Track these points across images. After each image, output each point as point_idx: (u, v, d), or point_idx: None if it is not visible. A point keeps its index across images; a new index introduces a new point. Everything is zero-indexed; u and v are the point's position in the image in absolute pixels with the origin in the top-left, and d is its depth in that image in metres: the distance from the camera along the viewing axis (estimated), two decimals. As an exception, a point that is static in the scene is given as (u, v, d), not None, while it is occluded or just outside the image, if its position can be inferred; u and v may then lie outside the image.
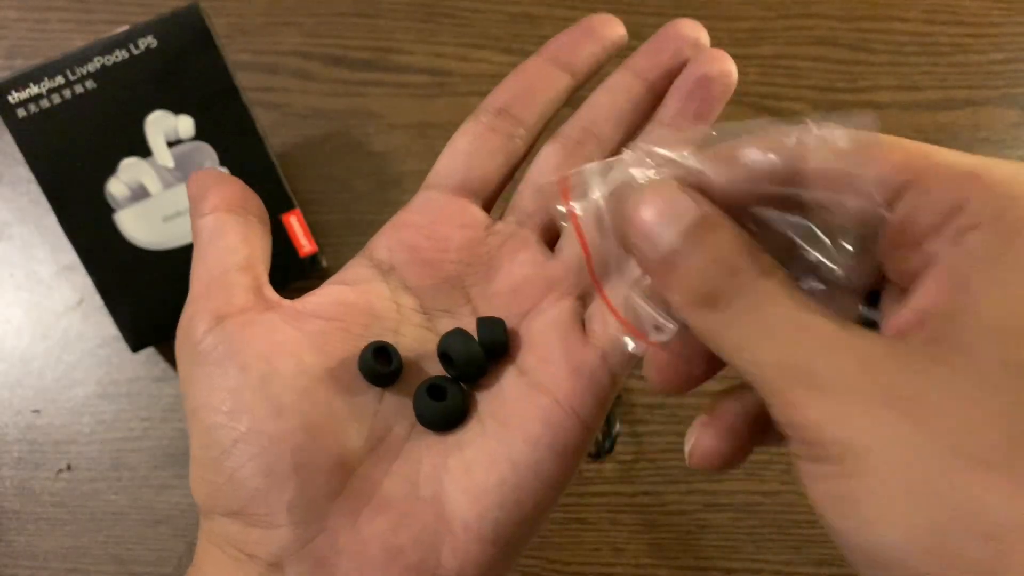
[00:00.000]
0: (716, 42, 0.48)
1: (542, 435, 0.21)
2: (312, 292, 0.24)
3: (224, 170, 0.39)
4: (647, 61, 0.25)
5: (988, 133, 0.48)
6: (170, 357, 0.43)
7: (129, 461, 0.42)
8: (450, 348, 0.22)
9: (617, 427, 0.43)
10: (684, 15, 0.48)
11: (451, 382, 0.22)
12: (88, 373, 0.43)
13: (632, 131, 0.25)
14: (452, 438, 0.22)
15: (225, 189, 0.24)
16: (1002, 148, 0.48)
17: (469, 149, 0.25)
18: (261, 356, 0.21)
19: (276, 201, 0.39)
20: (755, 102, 0.48)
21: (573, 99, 0.27)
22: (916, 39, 0.49)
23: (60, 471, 0.42)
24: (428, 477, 0.21)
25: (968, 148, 0.48)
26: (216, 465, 0.21)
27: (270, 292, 0.23)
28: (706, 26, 0.50)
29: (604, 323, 0.23)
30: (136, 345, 0.39)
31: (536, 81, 0.25)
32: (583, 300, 0.24)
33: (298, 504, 0.20)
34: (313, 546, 0.20)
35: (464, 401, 0.22)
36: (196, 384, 0.22)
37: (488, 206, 0.25)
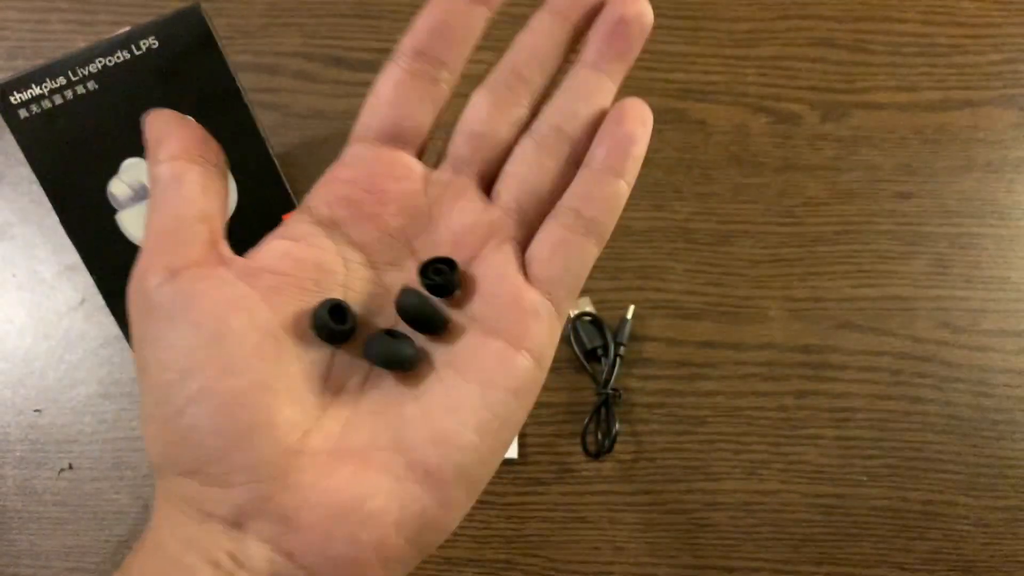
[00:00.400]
0: (715, 43, 0.49)
1: (497, 377, 0.22)
2: (260, 247, 0.23)
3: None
4: (566, 2, 0.25)
5: (986, 134, 0.48)
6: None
7: (131, 460, 0.43)
8: (408, 307, 0.22)
9: (616, 427, 0.43)
10: (683, 17, 0.49)
11: (400, 332, 0.23)
12: (90, 373, 0.43)
13: (555, 73, 0.25)
14: (408, 389, 0.23)
15: (186, 134, 0.23)
16: (1000, 149, 0.48)
17: (393, 97, 0.24)
18: (214, 313, 0.21)
19: (277, 201, 0.39)
20: (754, 103, 0.48)
21: (493, 42, 0.27)
22: (914, 40, 0.49)
23: (62, 470, 0.42)
24: (386, 427, 0.22)
25: (967, 149, 0.48)
26: (170, 424, 0.20)
27: (225, 247, 0.23)
28: (705, 27, 0.50)
29: (542, 263, 0.23)
30: (138, 345, 0.39)
31: (451, 17, 0.24)
32: (522, 243, 0.24)
33: (255, 462, 0.20)
34: (274, 503, 0.20)
35: (414, 345, 0.23)
36: (148, 340, 0.21)
37: (419, 154, 0.25)
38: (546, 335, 0.23)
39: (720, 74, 0.48)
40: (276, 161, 0.39)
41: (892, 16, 0.50)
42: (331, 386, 0.22)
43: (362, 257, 0.24)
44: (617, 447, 0.44)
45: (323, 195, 0.24)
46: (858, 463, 0.44)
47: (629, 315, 0.45)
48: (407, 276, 0.24)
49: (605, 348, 0.44)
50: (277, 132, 0.46)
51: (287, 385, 0.21)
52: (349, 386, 0.23)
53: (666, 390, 0.45)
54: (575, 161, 0.24)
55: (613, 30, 0.24)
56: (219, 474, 0.20)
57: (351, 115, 0.46)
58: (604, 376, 0.44)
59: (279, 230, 0.24)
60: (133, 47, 0.37)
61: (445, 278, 0.23)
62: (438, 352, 0.23)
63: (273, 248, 0.23)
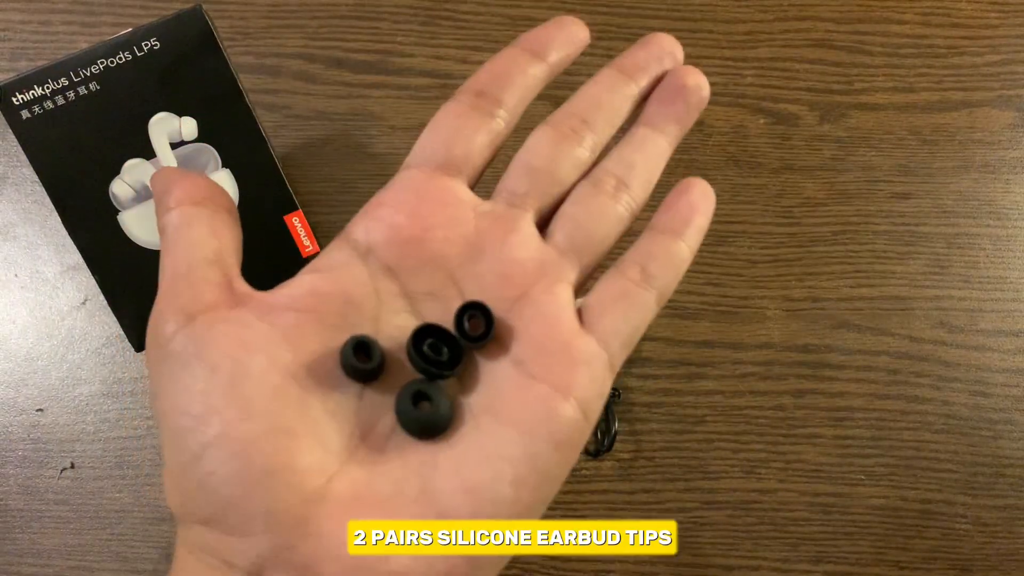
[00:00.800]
0: (713, 44, 0.49)
1: (540, 426, 0.20)
2: (285, 283, 0.23)
3: (226, 171, 0.39)
4: (633, 61, 0.26)
5: (983, 135, 0.49)
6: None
7: (133, 459, 0.43)
8: (412, 350, 0.21)
9: (615, 426, 0.43)
10: (682, 18, 0.49)
11: (436, 386, 0.21)
12: (92, 372, 0.44)
13: (618, 126, 0.25)
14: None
15: (189, 183, 0.23)
16: (997, 149, 0.48)
17: (450, 127, 0.24)
18: (230, 355, 0.20)
19: (279, 202, 0.39)
20: (752, 104, 0.48)
21: (553, 97, 0.27)
22: (912, 41, 0.50)
23: (64, 469, 0.43)
24: (415, 475, 0.20)
25: (964, 150, 0.48)
26: (187, 471, 0.20)
27: (241, 285, 0.22)
28: (703, 28, 0.51)
29: (602, 312, 0.22)
30: (140, 345, 0.39)
31: (512, 66, 0.24)
32: (574, 288, 0.23)
33: (274, 510, 0.19)
34: (295, 552, 0.19)
35: (450, 408, 0.21)
36: (164, 386, 0.21)
37: (471, 186, 0.24)
38: (596, 387, 0.21)
39: (718, 75, 0.49)
40: (278, 162, 0.39)
41: (890, 17, 0.50)
42: (359, 428, 0.21)
43: (398, 287, 0.23)
44: (616, 446, 0.44)
45: (364, 219, 0.23)
46: (856, 462, 0.45)
47: (628, 315, 0.45)
48: (445, 309, 0.22)
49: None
50: (278, 133, 0.46)
51: (309, 428, 0.20)
52: (379, 428, 0.21)
53: (665, 389, 0.45)
54: (631, 212, 0.24)
55: (674, 95, 0.25)
56: (238, 522, 0.19)
57: (352, 116, 0.47)
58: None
59: (312, 263, 0.23)
60: (135, 48, 0.38)
61: (479, 326, 0.22)
62: (477, 395, 0.22)
63: (299, 284, 0.22)
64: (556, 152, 0.24)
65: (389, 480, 0.20)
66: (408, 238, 0.23)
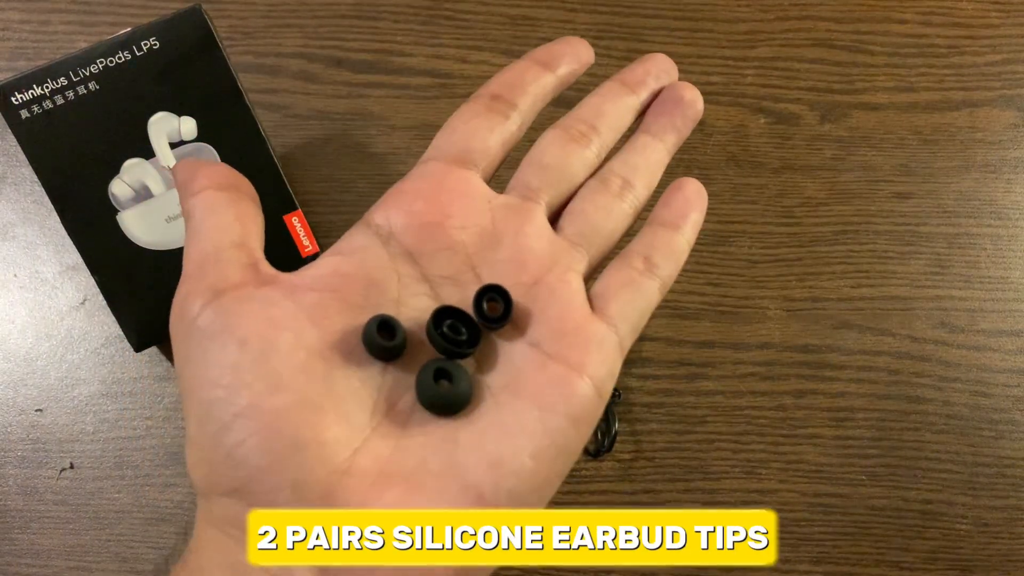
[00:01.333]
0: (714, 44, 0.49)
1: (558, 402, 0.21)
2: (310, 264, 0.23)
3: (226, 171, 0.39)
4: (634, 76, 0.28)
5: (984, 134, 0.48)
6: (173, 356, 0.44)
7: (132, 460, 0.43)
8: (432, 330, 0.22)
9: (616, 426, 0.43)
10: (682, 17, 0.49)
11: (456, 365, 0.22)
12: (91, 372, 0.43)
13: (622, 133, 0.27)
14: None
15: (213, 170, 0.24)
16: (998, 149, 0.48)
17: (467, 125, 0.25)
18: (259, 331, 0.21)
19: (278, 202, 0.39)
20: (752, 104, 0.48)
21: (558, 102, 0.28)
22: (913, 41, 0.50)
23: (63, 470, 0.43)
24: (438, 450, 0.21)
25: (965, 149, 0.48)
26: (214, 442, 0.20)
27: (266, 267, 0.23)
28: (704, 28, 0.51)
29: (610, 298, 0.24)
30: (139, 345, 0.39)
31: (525, 75, 0.26)
32: (584, 277, 0.25)
33: (302, 481, 0.20)
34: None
35: (470, 386, 0.22)
36: (193, 361, 0.21)
37: (489, 178, 0.26)
38: (608, 366, 0.23)
39: (719, 75, 0.49)
40: (277, 162, 0.39)
41: (891, 17, 0.50)
42: (382, 405, 0.22)
43: (417, 271, 0.24)
44: (616, 446, 0.44)
45: (385, 206, 0.25)
46: (857, 462, 0.45)
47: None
48: (463, 292, 0.24)
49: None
50: (278, 132, 0.46)
51: (335, 403, 0.21)
52: (401, 404, 0.22)
53: (665, 389, 0.45)
54: (634, 210, 0.26)
55: (672, 107, 0.27)
56: (264, 493, 0.20)
57: (352, 116, 0.47)
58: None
59: (334, 245, 0.24)
60: (134, 48, 0.38)
61: (499, 309, 0.23)
62: (496, 375, 0.23)
63: (322, 265, 0.23)
64: (566, 152, 0.26)
65: (413, 455, 0.21)
66: (427, 224, 0.24)
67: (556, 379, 0.22)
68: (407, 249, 0.24)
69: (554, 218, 0.26)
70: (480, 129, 0.25)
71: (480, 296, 0.23)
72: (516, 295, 0.23)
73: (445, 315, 0.22)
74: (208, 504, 0.21)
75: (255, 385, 0.20)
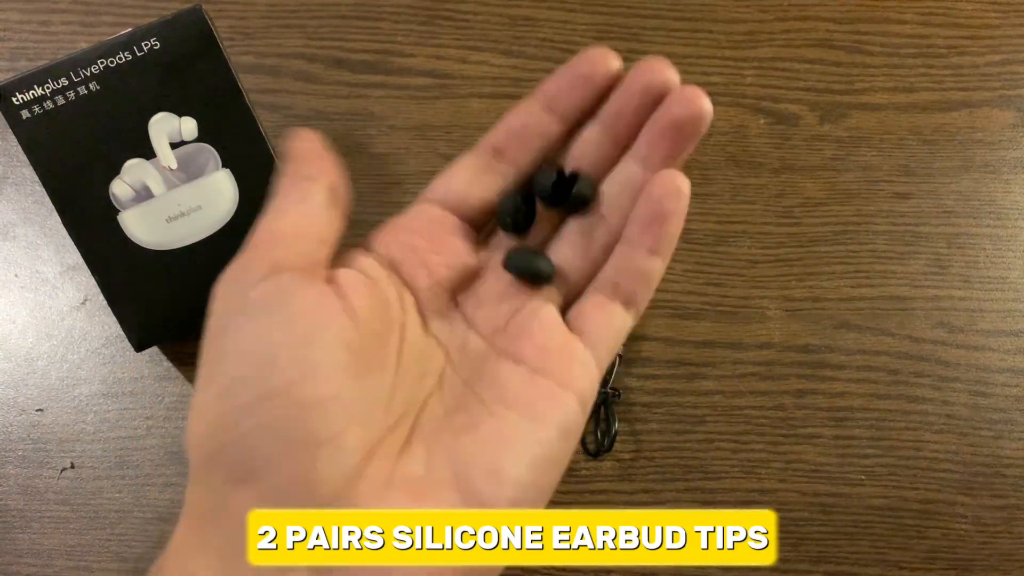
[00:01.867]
0: (713, 44, 0.49)
1: (549, 415, 0.22)
2: (337, 270, 0.24)
3: (226, 171, 0.39)
4: (622, 105, 0.25)
5: (984, 135, 0.48)
6: (173, 356, 0.44)
7: (133, 459, 0.43)
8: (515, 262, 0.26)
9: (615, 426, 0.43)
10: (682, 18, 0.49)
11: (539, 252, 0.26)
12: (92, 372, 0.44)
13: (611, 164, 0.26)
14: (461, 422, 0.23)
15: (325, 165, 0.24)
16: (998, 150, 0.48)
17: (465, 181, 0.26)
18: (308, 317, 0.21)
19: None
20: (752, 104, 0.48)
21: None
22: (912, 41, 0.50)
23: (64, 469, 0.43)
24: (443, 458, 0.22)
25: (964, 150, 0.48)
26: (232, 419, 0.20)
27: (325, 270, 0.23)
28: (703, 28, 0.51)
29: (584, 323, 0.25)
30: (140, 345, 0.40)
31: (530, 127, 0.26)
32: (562, 309, 0.26)
33: (314, 480, 0.20)
34: None
35: (551, 264, 0.26)
36: (232, 331, 0.21)
37: (477, 230, 0.27)
38: (590, 383, 0.24)
39: (719, 75, 0.49)
40: (278, 162, 0.39)
41: (890, 17, 0.50)
42: (393, 415, 0.23)
43: (414, 302, 0.25)
44: (616, 446, 0.44)
45: (384, 237, 0.26)
46: (856, 462, 0.45)
47: (628, 315, 0.45)
48: (452, 326, 0.25)
49: (604, 348, 0.44)
50: (278, 133, 0.46)
51: (361, 407, 0.21)
52: (407, 414, 0.23)
53: (665, 389, 0.45)
54: (616, 240, 0.26)
55: (665, 131, 0.24)
56: (271, 487, 0.20)
57: (352, 116, 0.47)
58: (603, 375, 0.44)
59: (345, 260, 0.25)
60: (135, 48, 0.38)
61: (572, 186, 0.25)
62: (488, 389, 0.23)
63: (350, 275, 0.24)
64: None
65: (419, 462, 0.22)
66: (423, 262, 0.25)
67: (545, 392, 0.23)
68: (405, 281, 0.25)
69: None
70: (477, 186, 0.26)
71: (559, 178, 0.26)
72: (499, 323, 0.25)
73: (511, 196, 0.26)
74: (200, 490, 0.21)
75: (290, 370, 0.20)
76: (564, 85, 0.25)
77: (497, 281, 0.26)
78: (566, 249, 0.26)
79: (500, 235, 0.27)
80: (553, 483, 0.23)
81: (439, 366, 0.24)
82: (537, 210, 0.27)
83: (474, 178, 0.26)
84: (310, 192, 0.23)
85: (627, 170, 0.25)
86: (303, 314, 0.21)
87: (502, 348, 0.24)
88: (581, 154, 0.26)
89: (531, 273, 0.25)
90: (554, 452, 0.22)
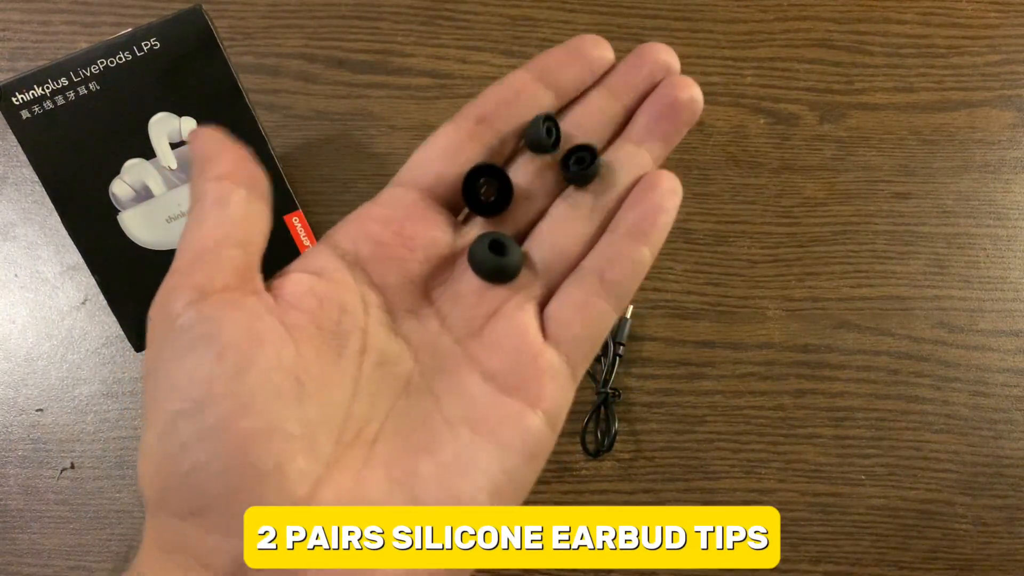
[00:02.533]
0: (713, 44, 0.49)
1: (514, 439, 0.21)
2: (282, 278, 0.23)
3: (227, 171, 0.39)
4: (622, 81, 0.25)
5: (984, 134, 0.48)
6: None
7: (133, 459, 0.43)
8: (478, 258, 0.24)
9: (615, 426, 0.43)
10: (682, 18, 0.49)
11: (507, 239, 0.23)
12: (92, 372, 0.44)
13: (604, 146, 0.25)
14: (422, 441, 0.22)
15: (236, 158, 0.22)
16: (997, 149, 0.48)
17: (444, 152, 0.24)
18: (239, 344, 0.20)
19: (279, 202, 0.39)
20: (752, 104, 0.48)
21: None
22: (912, 41, 0.50)
23: (64, 469, 0.43)
24: (399, 484, 0.21)
25: (964, 150, 0.48)
26: (175, 458, 0.19)
27: (258, 279, 0.22)
28: (704, 28, 0.51)
29: (562, 324, 0.23)
30: (140, 345, 0.40)
31: (520, 94, 0.24)
32: (542, 303, 0.24)
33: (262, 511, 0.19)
34: None
35: (521, 257, 0.23)
36: (164, 363, 0.20)
37: (457, 211, 0.25)
38: (561, 396, 0.23)
39: (719, 75, 0.49)
40: (278, 162, 0.39)
41: (890, 17, 0.50)
42: (348, 434, 0.21)
43: (381, 300, 0.23)
44: (616, 446, 0.44)
45: (351, 230, 0.24)
46: (856, 462, 0.45)
47: (628, 315, 0.45)
48: (424, 325, 0.23)
49: (604, 348, 0.44)
50: (278, 133, 0.46)
51: (304, 432, 0.20)
52: (364, 434, 0.22)
53: (665, 389, 0.45)
54: (603, 229, 0.24)
55: (663, 111, 0.25)
56: (220, 520, 0.19)
57: (352, 116, 0.47)
58: (603, 375, 0.44)
59: (300, 261, 0.23)
60: (135, 48, 0.38)
61: (587, 165, 0.23)
62: (454, 405, 0.22)
63: (298, 282, 0.22)
64: (534, 177, 0.25)
65: (374, 488, 0.21)
66: (392, 256, 0.23)
67: (511, 415, 0.22)
68: (372, 279, 0.23)
69: (522, 239, 0.25)
70: (456, 159, 0.24)
71: (568, 156, 0.24)
72: (474, 326, 0.23)
73: (479, 173, 0.24)
74: (157, 523, 0.20)
75: (224, 404, 0.19)
76: (563, 57, 0.24)
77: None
78: (555, 229, 0.24)
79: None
80: (518, 502, 0.22)
81: (406, 370, 0.23)
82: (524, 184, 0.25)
83: (455, 151, 0.24)
84: (226, 193, 0.22)
85: (627, 149, 0.25)
86: (232, 344, 0.20)
87: (473, 354, 0.23)
88: (583, 121, 0.25)
89: (492, 272, 0.23)
90: (518, 476, 0.21)
